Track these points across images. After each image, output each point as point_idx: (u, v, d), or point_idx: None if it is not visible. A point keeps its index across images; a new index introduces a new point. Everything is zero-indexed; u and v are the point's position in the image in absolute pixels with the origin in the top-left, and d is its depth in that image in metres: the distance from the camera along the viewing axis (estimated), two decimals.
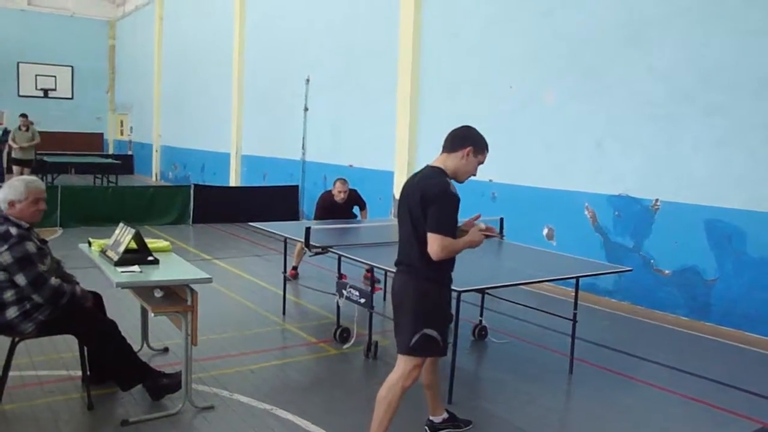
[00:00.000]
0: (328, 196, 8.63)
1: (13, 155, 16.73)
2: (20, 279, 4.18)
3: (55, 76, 27.04)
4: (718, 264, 7.08)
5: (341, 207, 8.56)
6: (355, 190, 8.78)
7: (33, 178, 4.59)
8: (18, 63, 26.34)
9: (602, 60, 8.20)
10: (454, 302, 4.78)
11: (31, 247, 4.24)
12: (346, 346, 6.06)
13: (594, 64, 8.29)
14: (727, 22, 6.99)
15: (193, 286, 4.43)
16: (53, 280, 4.26)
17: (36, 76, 26.63)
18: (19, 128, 16.55)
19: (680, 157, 7.41)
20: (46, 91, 26.91)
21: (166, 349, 5.70)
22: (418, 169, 4.08)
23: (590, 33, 8.33)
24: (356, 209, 8.89)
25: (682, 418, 4.85)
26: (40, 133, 16.85)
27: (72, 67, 27.39)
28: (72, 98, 27.49)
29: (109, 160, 20.96)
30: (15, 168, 16.57)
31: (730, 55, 6.95)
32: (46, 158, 19.37)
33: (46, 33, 26.62)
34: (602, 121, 8.21)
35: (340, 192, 8.48)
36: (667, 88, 7.52)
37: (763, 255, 6.70)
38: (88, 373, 4.65)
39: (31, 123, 16.78)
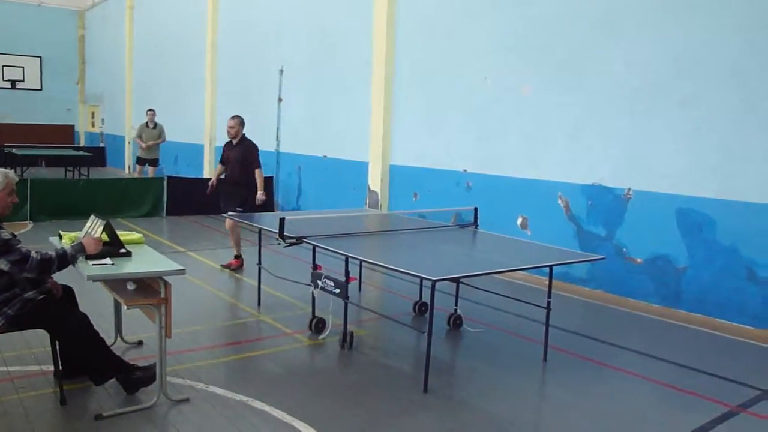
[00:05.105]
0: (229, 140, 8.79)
1: (139, 154, 15.73)
2: (3, 264, 4.11)
3: (23, 67, 26.54)
4: (689, 252, 7.18)
5: (231, 149, 8.64)
6: (252, 144, 8.71)
7: (6, 170, 4.49)
8: None
9: (577, 51, 8.24)
10: (428, 291, 4.82)
11: (5, 234, 4.17)
12: (321, 337, 6.06)
13: (569, 55, 8.34)
14: (699, 15, 7.07)
15: (166, 278, 4.39)
16: (34, 254, 4.17)
17: (3, 66, 26.11)
18: (146, 124, 15.47)
19: (652, 146, 7.49)
20: (13, 83, 26.40)
21: (140, 343, 5.65)
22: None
23: (565, 24, 8.37)
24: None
25: (654, 404, 4.93)
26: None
27: (40, 57, 26.90)
28: (41, 89, 27.01)
29: (81, 153, 20.63)
30: (138, 167, 15.74)
31: (702, 48, 7.02)
32: (15, 151, 19.06)
33: (12, 22, 26.08)
34: (576, 112, 8.27)
35: (227, 126, 8.57)
36: (640, 80, 7.58)
37: (732, 243, 6.81)
38: (60, 367, 4.59)
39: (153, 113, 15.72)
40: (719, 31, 6.90)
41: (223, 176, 8.90)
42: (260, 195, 8.58)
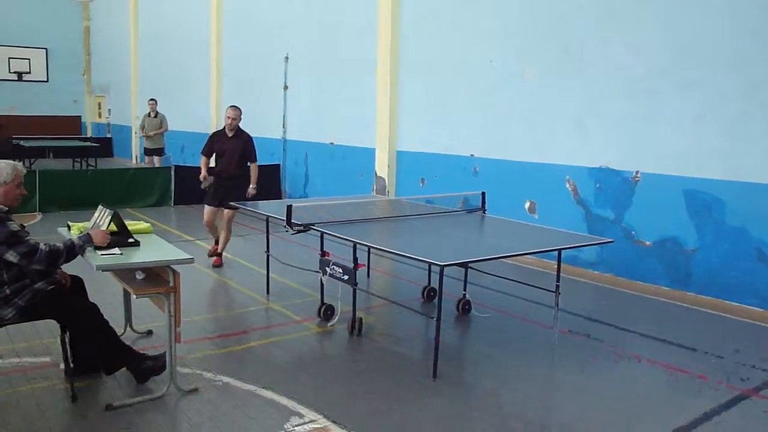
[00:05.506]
0: (220, 129, 8.37)
1: (144, 144, 15.96)
2: (12, 256, 4.12)
3: (29, 59, 26.52)
4: (698, 234, 7.14)
5: (228, 141, 8.16)
6: (249, 136, 8.33)
7: (15, 162, 4.49)
8: None
9: (581, 35, 8.18)
10: (436, 276, 4.81)
11: (13, 225, 4.18)
12: (330, 324, 6.07)
13: (573, 39, 8.27)
14: (701, 1, 6.99)
15: (175, 267, 4.40)
16: (42, 245, 4.17)
17: (9, 59, 26.10)
18: (148, 114, 15.63)
19: (659, 129, 7.43)
20: (20, 74, 26.42)
21: (150, 332, 5.67)
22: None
23: (568, 8, 8.30)
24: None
25: (665, 387, 4.91)
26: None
27: (46, 49, 26.88)
28: (47, 81, 27.00)
29: (88, 143, 20.68)
30: (147, 158, 15.93)
31: (705, 32, 6.97)
32: (23, 143, 19.10)
33: (18, 15, 26.05)
34: (582, 95, 8.21)
35: (228, 117, 8.10)
36: (644, 63, 7.53)
37: (741, 224, 6.77)
38: (71, 365, 4.58)
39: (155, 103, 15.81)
40: (719, 16, 6.84)
41: (211, 167, 8.47)
42: (252, 189, 8.26)
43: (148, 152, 15.94)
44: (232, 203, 7.77)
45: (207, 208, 8.33)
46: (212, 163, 8.49)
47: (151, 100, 15.91)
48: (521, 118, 8.98)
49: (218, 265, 8.22)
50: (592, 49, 8.06)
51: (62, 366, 4.73)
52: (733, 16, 6.75)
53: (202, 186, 8.41)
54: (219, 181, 8.24)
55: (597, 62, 8.02)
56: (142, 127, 15.72)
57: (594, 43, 8.04)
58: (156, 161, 15.71)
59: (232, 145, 8.17)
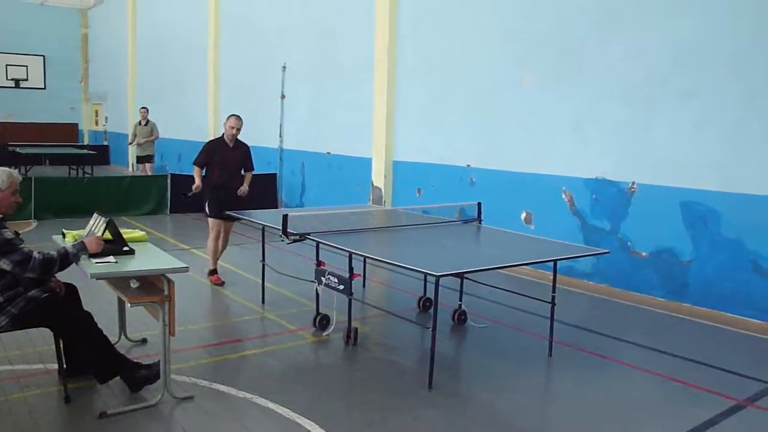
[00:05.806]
0: (217, 139, 8.09)
1: (136, 152, 16.15)
2: (5, 264, 4.10)
3: (26, 66, 26.54)
4: (693, 245, 7.15)
5: (229, 151, 7.86)
6: (248, 147, 8.11)
7: (11, 169, 4.47)
8: None
9: (578, 42, 8.20)
10: (432, 287, 4.80)
11: (7, 233, 4.17)
12: (325, 333, 6.05)
13: (570, 45, 8.30)
14: (700, 7, 7.02)
15: (169, 275, 4.38)
16: (36, 254, 4.16)
17: (6, 66, 26.12)
18: (139, 122, 15.74)
19: (656, 139, 7.45)
20: (17, 82, 26.42)
21: (144, 340, 5.65)
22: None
23: (566, 14, 8.33)
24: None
25: (660, 397, 4.91)
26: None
27: (44, 56, 26.91)
28: (44, 88, 27.02)
29: (84, 151, 20.66)
30: (141, 166, 16.03)
31: (704, 39, 6.99)
32: (19, 150, 19.08)
33: (15, 22, 26.09)
34: (579, 105, 8.23)
35: (232, 128, 7.78)
36: (642, 71, 7.54)
37: (737, 236, 6.78)
38: (65, 366, 4.58)
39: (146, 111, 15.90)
40: (720, 22, 6.86)
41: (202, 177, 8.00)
42: (244, 188, 7.91)
43: (139, 160, 16.10)
44: (231, 214, 7.57)
45: (214, 221, 7.93)
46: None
47: (143, 108, 16.03)
48: (519, 124, 8.98)
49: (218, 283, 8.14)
50: (590, 56, 8.07)
51: (56, 366, 4.70)
52: (732, 23, 6.77)
53: (189, 194, 8.01)
54: (218, 193, 7.86)
55: (595, 68, 8.02)
56: (134, 135, 15.81)
57: (591, 49, 8.05)
58: (148, 168, 15.77)
59: (235, 157, 7.92)
